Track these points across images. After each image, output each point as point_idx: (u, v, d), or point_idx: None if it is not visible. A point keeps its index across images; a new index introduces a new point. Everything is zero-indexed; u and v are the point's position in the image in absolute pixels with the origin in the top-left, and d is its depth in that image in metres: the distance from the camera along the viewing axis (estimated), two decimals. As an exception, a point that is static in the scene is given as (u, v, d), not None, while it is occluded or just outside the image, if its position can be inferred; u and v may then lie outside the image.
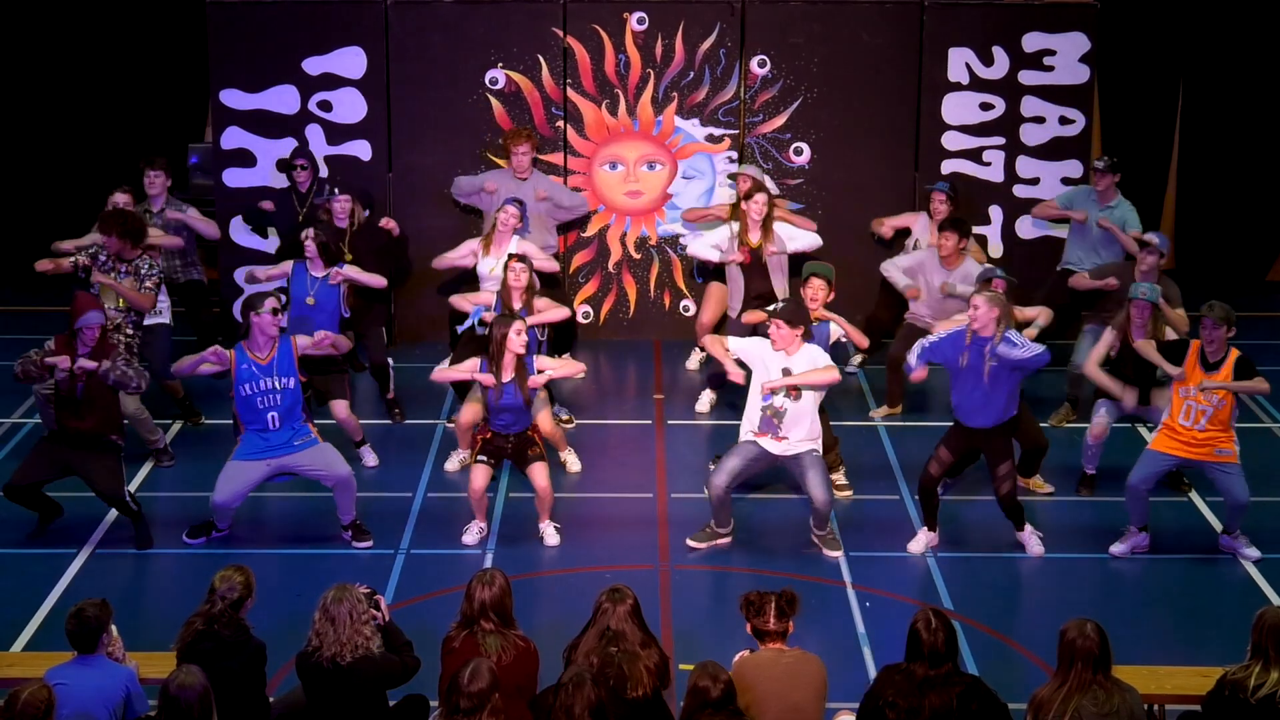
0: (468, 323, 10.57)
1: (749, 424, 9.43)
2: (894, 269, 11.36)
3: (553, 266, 11.16)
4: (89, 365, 9.22)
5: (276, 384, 9.32)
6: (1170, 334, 9.75)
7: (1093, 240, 11.70)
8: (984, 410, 9.22)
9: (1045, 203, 12.23)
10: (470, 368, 9.52)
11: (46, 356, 9.24)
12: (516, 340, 9.30)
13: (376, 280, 10.64)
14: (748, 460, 9.42)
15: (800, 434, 9.35)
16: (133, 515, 9.49)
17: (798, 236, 11.34)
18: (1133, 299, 9.79)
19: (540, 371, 9.49)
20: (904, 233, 12.17)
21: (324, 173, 12.19)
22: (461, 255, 11.14)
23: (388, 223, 11.65)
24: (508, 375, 9.32)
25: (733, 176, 12.24)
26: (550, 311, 10.41)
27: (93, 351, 9.28)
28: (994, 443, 9.33)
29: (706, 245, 11.41)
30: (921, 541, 9.55)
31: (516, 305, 10.18)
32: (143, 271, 10.25)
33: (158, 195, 11.50)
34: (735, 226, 11.23)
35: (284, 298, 9.76)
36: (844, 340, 10.31)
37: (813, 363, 9.31)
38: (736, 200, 11.70)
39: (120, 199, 10.86)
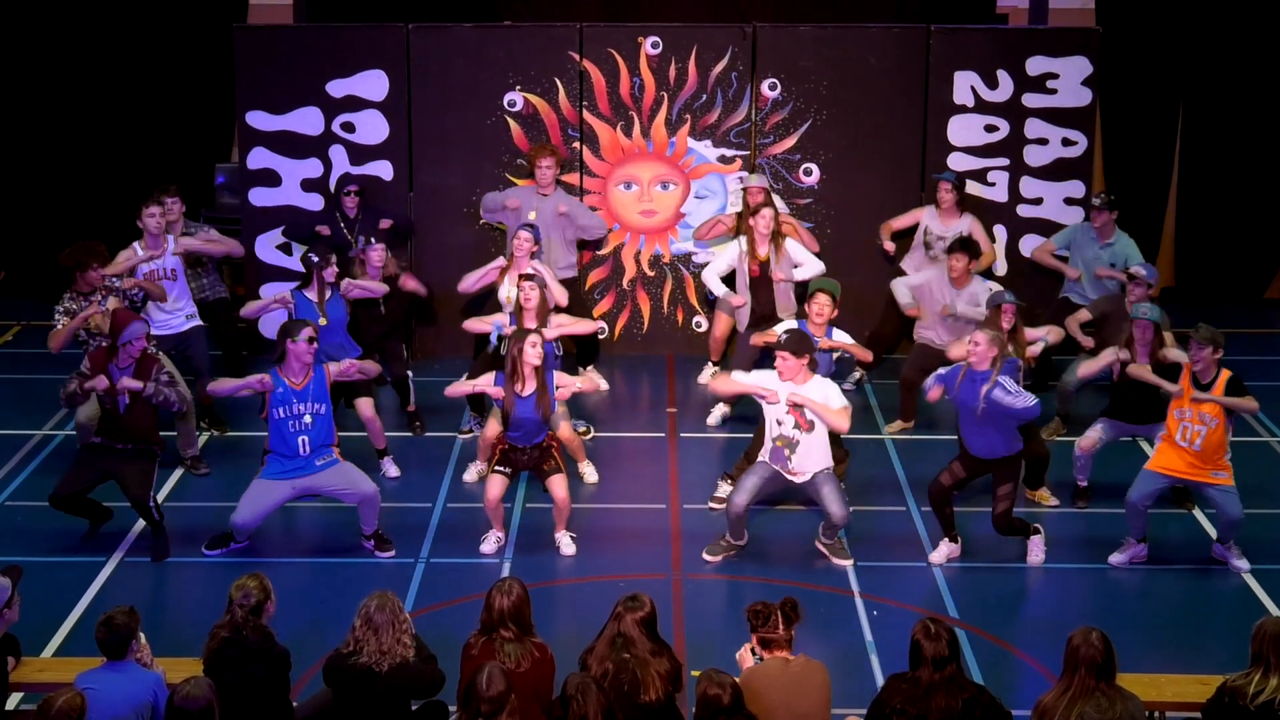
0: (492, 341, 10.56)
1: (763, 454, 9.49)
2: (902, 286, 11.55)
3: (560, 294, 10.88)
4: (133, 385, 9.35)
5: (309, 409, 9.36)
6: (1175, 355, 9.80)
7: (1092, 276, 11.84)
8: (983, 443, 9.31)
9: (1043, 244, 12.31)
10: (485, 382, 9.56)
11: (85, 381, 9.37)
12: (531, 353, 9.31)
13: (379, 289, 10.91)
14: (765, 480, 9.46)
15: (811, 466, 9.37)
16: (154, 524, 9.57)
17: (806, 264, 11.43)
18: (1135, 318, 9.90)
19: (560, 387, 9.52)
20: (908, 232, 12.30)
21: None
22: (487, 270, 11.13)
23: (386, 223, 11.57)
24: (528, 389, 9.40)
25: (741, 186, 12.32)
26: (574, 325, 10.45)
27: (137, 367, 9.39)
28: (1001, 469, 9.40)
29: (716, 275, 11.62)
30: (943, 552, 9.59)
31: (531, 325, 10.12)
32: (116, 286, 10.35)
33: (175, 221, 11.13)
34: (743, 241, 11.42)
35: (317, 328, 9.70)
36: (847, 356, 10.54)
37: (825, 398, 9.28)
38: (743, 209, 11.82)
39: (151, 212, 10.83)
